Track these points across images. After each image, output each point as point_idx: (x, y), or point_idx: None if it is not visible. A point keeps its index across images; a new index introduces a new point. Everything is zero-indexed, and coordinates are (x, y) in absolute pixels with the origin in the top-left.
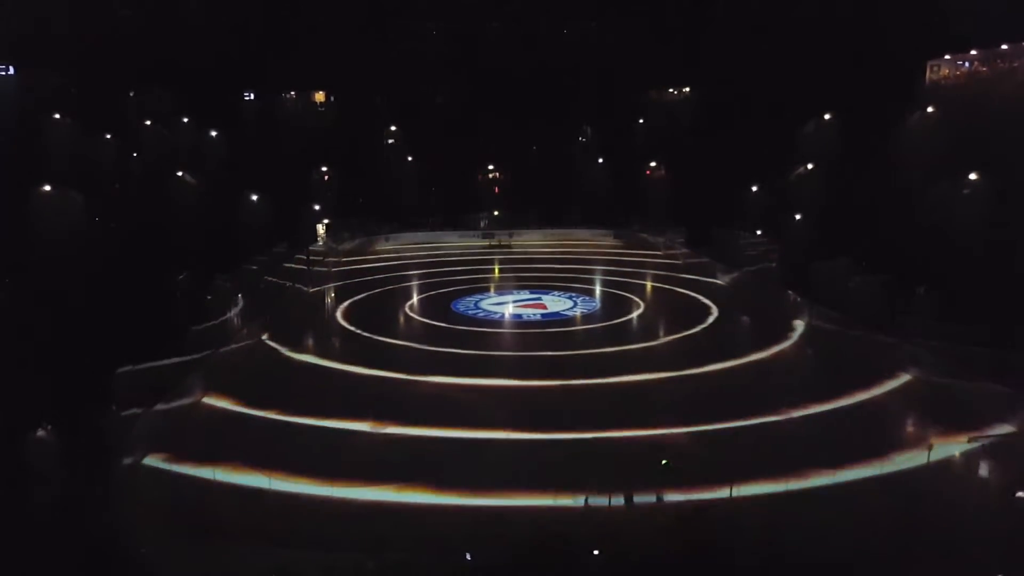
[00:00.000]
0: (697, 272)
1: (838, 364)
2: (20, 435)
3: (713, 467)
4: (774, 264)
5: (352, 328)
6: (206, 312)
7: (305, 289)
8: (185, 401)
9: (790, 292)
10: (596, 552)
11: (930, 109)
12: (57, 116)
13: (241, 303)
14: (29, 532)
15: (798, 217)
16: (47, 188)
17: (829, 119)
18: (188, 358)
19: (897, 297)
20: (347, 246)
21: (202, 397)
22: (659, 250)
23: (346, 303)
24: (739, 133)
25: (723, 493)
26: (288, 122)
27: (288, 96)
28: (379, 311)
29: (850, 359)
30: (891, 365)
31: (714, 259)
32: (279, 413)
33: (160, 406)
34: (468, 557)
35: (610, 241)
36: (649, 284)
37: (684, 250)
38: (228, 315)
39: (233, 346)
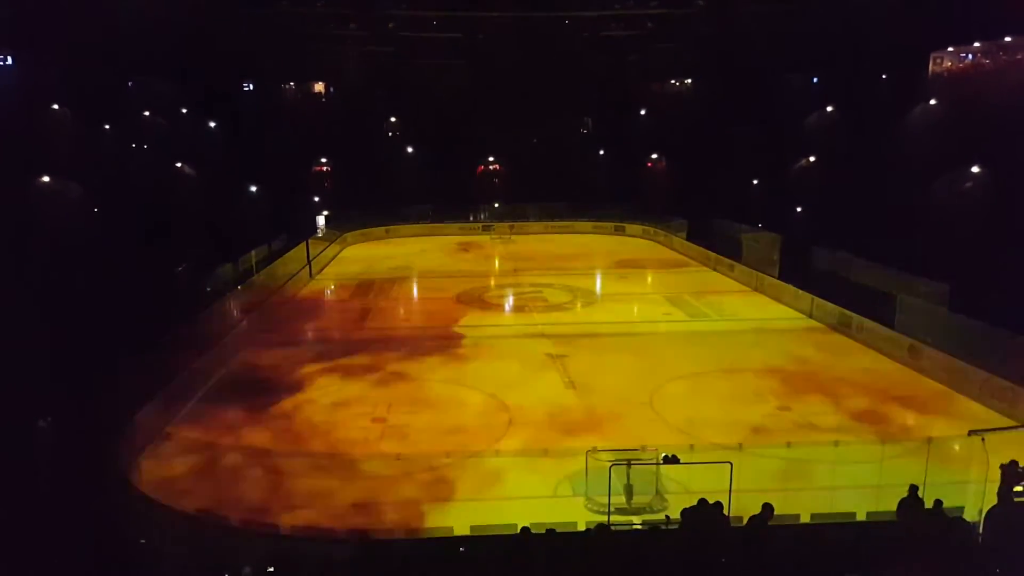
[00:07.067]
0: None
1: None
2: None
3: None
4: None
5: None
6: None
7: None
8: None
9: None
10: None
11: (933, 101)
12: (56, 107)
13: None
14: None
15: (799, 209)
16: (46, 179)
17: (831, 111)
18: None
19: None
20: (346, 237)
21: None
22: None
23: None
24: (739, 125)
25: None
26: (287, 113)
27: (287, 87)
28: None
29: None
30: None
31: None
32: None
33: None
34: (462, 549)
35: (612, 234)
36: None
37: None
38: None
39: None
